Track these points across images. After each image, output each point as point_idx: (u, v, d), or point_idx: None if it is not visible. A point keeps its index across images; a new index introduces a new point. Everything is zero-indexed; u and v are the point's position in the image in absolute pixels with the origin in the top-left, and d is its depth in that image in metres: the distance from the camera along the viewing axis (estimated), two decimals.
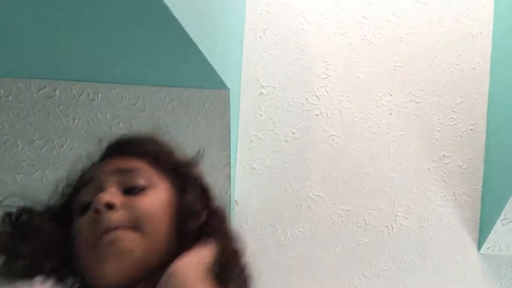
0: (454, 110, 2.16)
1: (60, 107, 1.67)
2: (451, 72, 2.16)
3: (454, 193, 2.13)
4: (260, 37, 2.16)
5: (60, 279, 0.85)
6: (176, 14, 1.18)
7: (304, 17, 2.17)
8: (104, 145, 0.93)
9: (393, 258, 2.11)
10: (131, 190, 0.85)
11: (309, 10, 2.17)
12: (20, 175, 1.85)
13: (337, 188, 2.13)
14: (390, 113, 2.15)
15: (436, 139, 2.15)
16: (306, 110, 2.15)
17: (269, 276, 2.09)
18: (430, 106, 2.16)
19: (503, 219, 1.95)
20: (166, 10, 1.15)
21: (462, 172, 2.14)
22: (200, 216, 0.86)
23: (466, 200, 2.14)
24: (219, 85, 1.59)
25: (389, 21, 2.17)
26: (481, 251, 2.10)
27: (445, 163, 2.14)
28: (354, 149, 2.14)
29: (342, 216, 2.12)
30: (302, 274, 2.09)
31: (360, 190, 2.13)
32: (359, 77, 2.16)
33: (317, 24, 2.17)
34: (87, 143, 1.73)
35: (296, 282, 2.09)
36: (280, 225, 2.12)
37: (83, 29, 1.30)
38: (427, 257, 2.11)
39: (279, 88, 2.15)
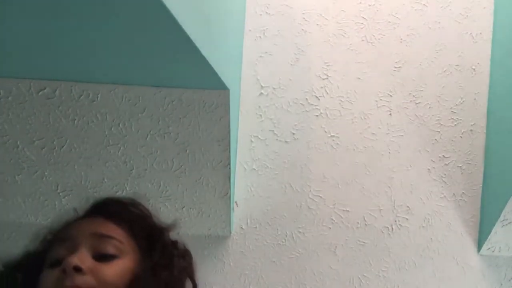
0: (454, 111, 2.16)
1: (60, 107, 1.67)
2: (451, 72, 2.16)
3: (454, 193, 2.13)
4: (260, 37, 2.16)
5: None
6: (176, 14, 1.18)
7: (304, 18, 2.17)
8: (91, 202, 1.04)
9: (393, 259, 2.11)
10: (101, 257, 0.93)
11: (309, 11, 2.17)
12: (20, 176, 1.85)
13: (337, 188, 2.13)
14: (390, 114, 2.15)
15: (436, 139, 2.15)
16: (306, 110, 2.15)
17: (269, 276, 2.09)
18: (430, 107, 2.16)
19: (503, 220, 1.95)
20: (165, 10, 1.15)
21: (462, 173, 2.14)
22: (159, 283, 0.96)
23: (466, 201, 2.14)
24: (219, 85, 1.59)
25: (389, 21, 2.17)
26: (481, 252, 2.10)
27: (445, 163, 2.14)
28: (354, 149, 2.14)
29: (342, 217, 2.12)
30: (302, 274, 2.09)
31: (360, 190, 2.13)
32: (359, 78, 2.16)
33: (317, 24, 2.17)
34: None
35: (296, 282, 2.09)
36: (280, 225, 2.12)
37: (83, 29, 1.30)
38: (427, 258, 2.11)
39: (279, 88, 2.15)
